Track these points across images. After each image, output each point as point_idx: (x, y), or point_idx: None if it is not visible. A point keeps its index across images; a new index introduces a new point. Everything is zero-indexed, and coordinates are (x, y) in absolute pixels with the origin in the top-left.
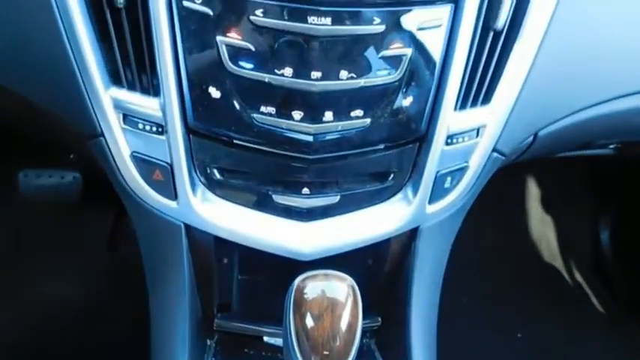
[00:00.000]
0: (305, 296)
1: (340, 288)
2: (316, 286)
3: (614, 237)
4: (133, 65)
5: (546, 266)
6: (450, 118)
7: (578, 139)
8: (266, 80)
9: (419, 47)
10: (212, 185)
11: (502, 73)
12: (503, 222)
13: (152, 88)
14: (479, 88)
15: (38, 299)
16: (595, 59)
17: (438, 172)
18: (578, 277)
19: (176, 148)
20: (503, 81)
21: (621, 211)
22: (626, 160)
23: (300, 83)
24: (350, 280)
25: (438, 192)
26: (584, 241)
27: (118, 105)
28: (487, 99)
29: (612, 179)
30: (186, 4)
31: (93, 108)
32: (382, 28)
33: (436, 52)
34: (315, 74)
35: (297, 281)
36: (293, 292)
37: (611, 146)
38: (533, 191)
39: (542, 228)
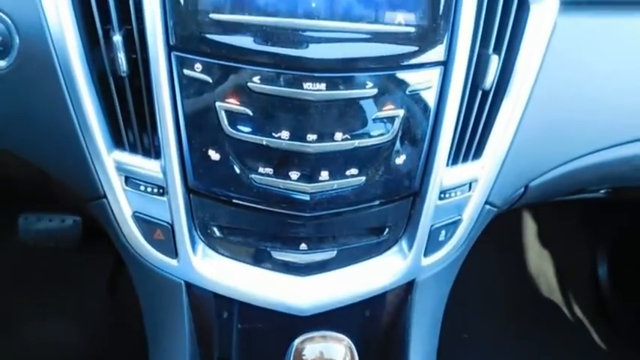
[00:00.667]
0: (304, 358)
1: (338, 349)
2: (314, 348)
3: (612, 271)
4: (135, 129)
5: (545, 301)
6: (443, 174)
7: (568, 188)
8: (264, 143)
9: (411, 108)
10: (212, 242)
11: (492, 129)
12: (501, 257)
13: (153, 151)
14: (470, 144)
15: (36, 343)
16: (583, 111)
17: (432, 225)
18: (578, 311)
19: (177, 208)
20: (493, 136)
21: (618, 245)
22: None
23: (297, 145)
24: (347, 341)
25: (432, 245)
26: (583, 275)
27: (120, 168)
28: (478, 154)
29: (607, 214)
30: (186, 72)
31: (96, 171)
32: (375, 91)
33: (427, 111)
34: (311, 136)
35: (295, 343)
36: (292, 354)
37: (602, 191)
38: (530, 226)
39: (540, 263)
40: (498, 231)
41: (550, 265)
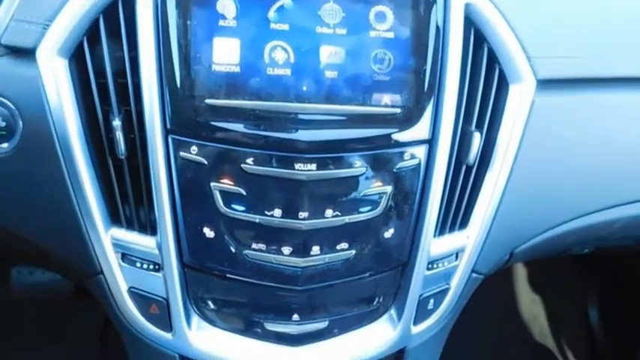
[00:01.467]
0: None
1: None
2: None
3: (602, 315)
4: (132, 207)
5: (538, 345)
6: (430, 245)
7: (553, 250)
8: (257, 221)
9: (398, 184)
10: (206, 315)
11: (476, 200)
12: (493, 302)
13: (150, 228)
14: (455, 215)
15: None
16: (564, 180)
17: (420, 295)
18: (570, 356)
19: (172, 284)
20: (478, 207)
21: (608, 288)
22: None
23: (289, 223)
24: None
25: (422, 313)
26: (574, 319)
27: (117, 245)
28: (464, 224)
29: (597, 260)
30: (182, 154)
31: (93, 249)
32: (363, 170)
33: (414, 187)
34: (303, 214)
35: None
36: None
37: (586, 250)
38: (521, 271)
39: (531, 308)
40: (489, 278)
41: (542, 309)
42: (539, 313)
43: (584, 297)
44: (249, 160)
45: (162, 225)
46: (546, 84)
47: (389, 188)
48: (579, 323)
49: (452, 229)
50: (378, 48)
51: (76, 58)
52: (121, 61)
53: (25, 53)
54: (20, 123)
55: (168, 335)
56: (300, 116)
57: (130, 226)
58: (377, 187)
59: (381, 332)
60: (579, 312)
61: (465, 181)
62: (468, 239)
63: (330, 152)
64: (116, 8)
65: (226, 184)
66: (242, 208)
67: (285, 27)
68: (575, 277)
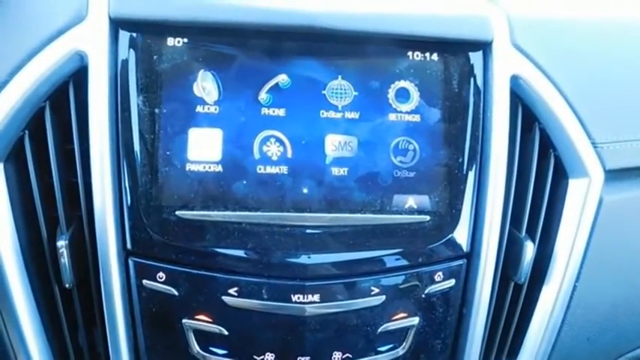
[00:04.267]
0: None
1: None
2: None
3: None
4: (85, 347)
5: None
6: None
7: None
8: None
9: (427, 314)
10: None
11: (528, 325)
12: None
13: None
14: (501, 345)
15: None
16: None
17: None
18: None
19: None
20: (530, 334)
21: None
22: None
23: None
24: None
25: None
26: None
27: None
28: (513, 354)
29: None
30: (146, 282)
31: None
32: (382, 298)
33: (448, 316)
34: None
35: None
36: None
37: None
38: None
39: None
40: None
41: None
42: None
43: None
44: (233, 291)
45: None
46: (616, 176)
47: (415, 320)
48: None
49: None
50: (400, 135)
51: (14, 159)
52: (70, 162)
53: None
54: None
55: None
56: (300, 230)
57: None
58: (400, 320)
59: None
60: None
61: (514, 302)
62: None
63: (338, 278)
64: (65, 95)
65: (203, 321)
66: (223, 352)
67: (281, 112)
68: None
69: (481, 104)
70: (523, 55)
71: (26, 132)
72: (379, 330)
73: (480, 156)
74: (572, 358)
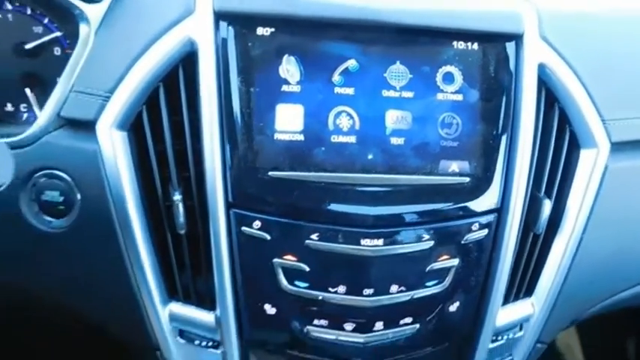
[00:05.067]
0: None
1: None
2: None
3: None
4: (191, 282)
5: None
6: (496, 317)
7: (616, 308)
8: (320, 298)
9: (465, 256)
10: None
11: (543, 267)
12: None
13: (208, 303)
14: (521, 283)
15: None
16: (636, 244)
17: None
18: None
19: None
20: (545, 274)
21: None
22: None
23: (353, 300)
24: None
25: None
26: (610, 351)
27: (174, 320)
28: (529, 292)
29: None
30: (244, 229)
31: (151, 325)
32: (431, 244)
33: (482, 258)
34: (367, 291)
35: None
36: None
37: None
38: None
39: (566, 338)
40: None
41: (576, 340)
42: (574, 343)
43: (622, 328)
44: (314, 236)
45: (222, 301)
46: (620, 147)
47: (456, 261)
48: (615, 355)
49: (516, 298)
50: (445, 111)
51: (134, 130)
52: (180, 132)
53: (84, 126)
54: (78, 197)
55: None
56: (367, 188)
57: (187, 300)
58: (444, 261)
59: None
60: (616, 344)
61: (532, 249)
62: (534, 308)
63: (397, 226)
64: (176, 77)
65: (289, 260)
66: (305, 285)
67: (350, 91)
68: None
69: (512, 87)
70: (549, 45)
71: (144, 107)
72: (427, 269)
73: (510, 129)
74: (577, 296)
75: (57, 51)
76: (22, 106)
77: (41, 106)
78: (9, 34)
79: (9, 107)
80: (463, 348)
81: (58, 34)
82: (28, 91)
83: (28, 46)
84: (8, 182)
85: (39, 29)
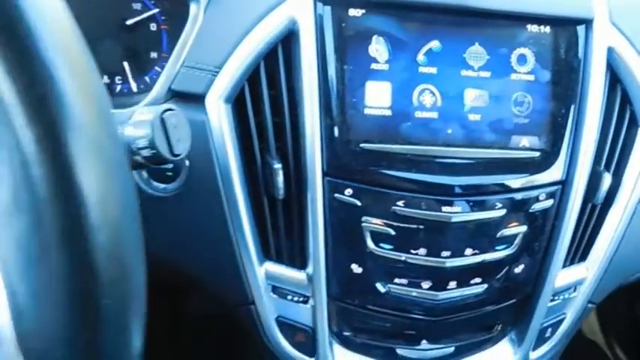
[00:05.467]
0: None
1: None
2: None
3: None
4: (285, 244)
5: (588, 341)
6: (555, 279)
7: None
8: (402, 259)
9: (532, 224)
10: (344, 341)
11: (597, 235)
12: None
13: (300, 263)
14: (577, 249)
15: None
16: None
17: (541, 324)
18: (619, 352)
19: (320, 315)
20: (599, 242)
21: None
22: None
23: (433, 261)
24: None
25: (539, 341)
26: (623, 315)
27: (269, 277)
28: (584, 257)
29: None
30: (337, 195)
31: (247, 281)
32: (503, 212)
33: (546, 226)
34: (445, 253)
35: None
36: None
37: None
38: None
39: None
40: None
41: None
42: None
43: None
44: (400, 203)
45: (315, 261)
46: None
47: (524, 228)
48: (628, 319)
49: (572, 262)
50: (518, 91)
51: (236, 103)
52: (278, 105)
53: (193, 99)
54: (187, 163)
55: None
56: (447, 160)
57: (280, 260)
58: (513, 228)
59: (502, 356)
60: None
61: (589, 218)
62: (587, 272)
63: (475, 195)
64: (275, 54)
65: (377, 224)
66: (390, 247)
67: (434, 70)
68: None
69: (581, 69)
70: (618, 30)
71: (246, 83)
72: (498, 234)
73: (577, 108)
74: (627, 262)
75: (153, 27)
76: (117, 79)
77: (135, 78)
78: (112, 11)
79: (105, 79)
80: (524, 306)
81: (155, 10)
82: (126, 64)
83: (129, 22)
84: (185, 153)
85: (138, 5)
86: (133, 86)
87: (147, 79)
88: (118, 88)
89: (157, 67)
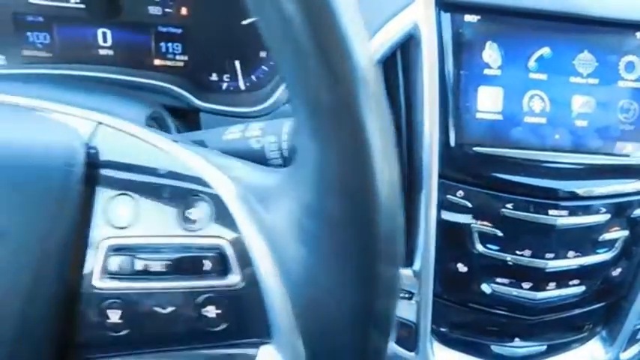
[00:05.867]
0: None
1: None
2: None
3: None
4: None
5: None
6: None
7: None
8: (507, 259)
9: (633, 228)
10: (441, 337)
11: None
12: None
13: (406, 260)
14: None
15: None
16: None
17: (634, 326)
18: None
19: (425, 312)
20: None
21: None
22: None
23: (536, 262)
24: None
25: (630, 342)
26: None
27: None
28: None
29: None
30: (449, 197)
31: None
32: (607, 217)
33: None
34: (549, 255)
35: None
36: None
37: None
38: None
39: None
40: None
41: None
42: None
43: None
44: (509, 206)
45: (424, 258)
46: None
47: (625, 233)
48: None
49: None
50: (625, 98)
51: None
52: (396, 107)
53: None
54: None
55: (411, 354)
56: (555, 165)
57: None
58: (615, 232)
59: (594, 356)
60: None
61: None
62: None
63: (581, 200)
64: (394, 58)
65: (485, 225)
66: (496, 248)
67: (544, 77)
68: None
69: None
70: None
71: None
72: (600, 238)
73: None
74: None
75: None
76: (225, 77)
77: (243, 77)
78: (230, 11)
79: (214, 77)
80: (617, 308)
81: None
82: (237, 63)
83: (243, 22)
84: None
85: None
86: (241, 84)
87: (254, 77)
88: (225, 85)
89: (264, 66)
